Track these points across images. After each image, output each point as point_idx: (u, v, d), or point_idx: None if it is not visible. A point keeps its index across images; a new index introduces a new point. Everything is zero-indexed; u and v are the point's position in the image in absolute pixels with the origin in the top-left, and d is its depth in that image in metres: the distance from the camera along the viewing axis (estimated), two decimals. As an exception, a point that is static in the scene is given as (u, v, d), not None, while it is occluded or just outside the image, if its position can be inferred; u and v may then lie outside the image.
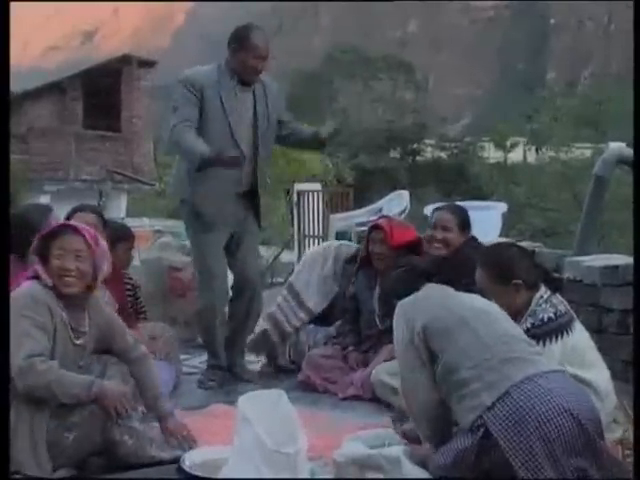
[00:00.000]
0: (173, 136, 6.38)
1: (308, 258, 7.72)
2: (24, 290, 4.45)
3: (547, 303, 4.57)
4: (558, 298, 4.67)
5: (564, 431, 3.68)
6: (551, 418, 3.69)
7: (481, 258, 4.84)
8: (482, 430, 3.80)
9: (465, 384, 3.96)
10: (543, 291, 4.63)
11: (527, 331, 4.40)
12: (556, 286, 4.79)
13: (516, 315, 4.55)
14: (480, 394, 3.88)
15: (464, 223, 6.22)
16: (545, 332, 4.41)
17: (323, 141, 6.78)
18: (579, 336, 4.61)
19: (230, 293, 6.88)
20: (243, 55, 6.41)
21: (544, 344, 4.42)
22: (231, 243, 6.73)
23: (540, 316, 4.51)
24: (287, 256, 19.41)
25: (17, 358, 4.20)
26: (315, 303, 7.33)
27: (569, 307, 4.77)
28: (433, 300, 4.40)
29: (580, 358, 4.51)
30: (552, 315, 4.52)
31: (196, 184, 6.47)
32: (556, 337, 4.47)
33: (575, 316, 4.74)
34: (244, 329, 6.95)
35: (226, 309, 6.84)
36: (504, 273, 4.64)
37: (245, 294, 6.79)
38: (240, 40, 6.45)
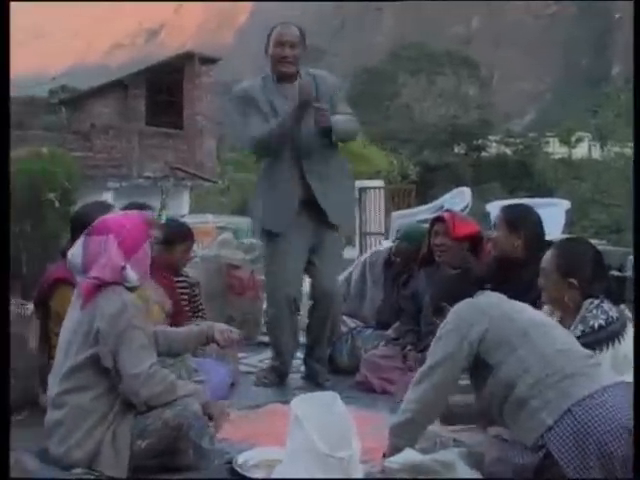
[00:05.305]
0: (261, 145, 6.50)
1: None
2: (125, 299, 4.35)
3: (598, 309, 4.41)
4: (609, 303, 4.52)
5: (624, 450, 3.59)
6: (612, 439, 3.60)
7: (558, 244, 4.75)
8: (543, 450, 3.72)
9: (524, 402, 3.87)
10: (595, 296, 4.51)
11: (578, 339, 4.24)
12: (617, 298, 4.65)
13: (563, 315, 4.52)
14: (540, 413, 3.80)
15: (512, 223, 5.69)
16: (596, 340, 4.26)
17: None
18: (632, 342, 4.44)
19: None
20: (270, 50, 6.53)
21: (594, 353, 4.24)
22: (311, 253, 6.64)
23: (591, 323, 4.37)
24: (349, 252, 19.33)
25: (139, 368, 4.21)
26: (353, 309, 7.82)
27: (623, 310, 4.63)
28: (494, 307, 4.26)
29: (632, 366, 4.36)
30: (603, 322, 4.36)
31: (261, 198, 6.62)
32: (607, 346, 4.32)
33: (630, 318, 4.60)
34: (321, 339, 6.86)
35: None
36: (566, 267, 4.53)
37: (321, 306, 6.71)
38: (267, 40, 6.58)
